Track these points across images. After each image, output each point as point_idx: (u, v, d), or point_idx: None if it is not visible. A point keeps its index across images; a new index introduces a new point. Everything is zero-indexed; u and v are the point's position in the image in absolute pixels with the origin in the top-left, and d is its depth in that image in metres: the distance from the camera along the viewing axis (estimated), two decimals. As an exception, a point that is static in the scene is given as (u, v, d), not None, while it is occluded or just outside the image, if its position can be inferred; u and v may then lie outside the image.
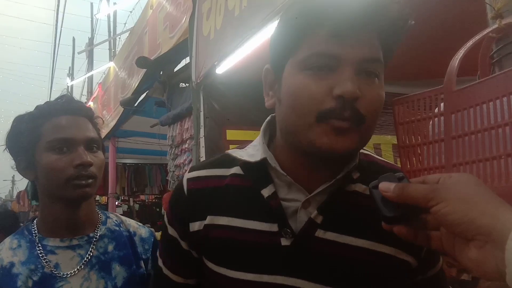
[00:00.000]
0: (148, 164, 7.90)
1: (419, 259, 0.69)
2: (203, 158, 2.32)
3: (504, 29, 0.59)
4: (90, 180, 0.95)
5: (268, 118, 0.76)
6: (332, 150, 0.60)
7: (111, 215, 1.11)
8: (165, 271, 0.81)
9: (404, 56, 1.81)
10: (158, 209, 8.84)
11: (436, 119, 0.59)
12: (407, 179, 0.53)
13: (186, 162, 3.06)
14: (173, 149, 3.33)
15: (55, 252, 0.96)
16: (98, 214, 1.07)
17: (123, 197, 8.73)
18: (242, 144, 0.80)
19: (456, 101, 0.57)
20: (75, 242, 0.98)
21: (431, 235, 0.51)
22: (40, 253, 0.95)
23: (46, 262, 0.94)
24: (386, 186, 0.52)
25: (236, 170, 0.75)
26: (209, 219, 0.72)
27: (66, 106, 0.99)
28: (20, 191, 15.43)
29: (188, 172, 0.79)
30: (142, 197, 9.54)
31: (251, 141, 0.78)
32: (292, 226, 0.67)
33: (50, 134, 0.95)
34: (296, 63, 0.62)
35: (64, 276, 0.94)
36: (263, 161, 0.70)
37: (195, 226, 0.73)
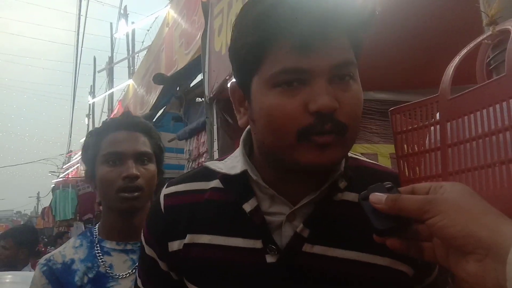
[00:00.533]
0: (168, 179, 7.99)
1: (416, 267, 0.65)
2: (217, 171, 2.34)
3: (498, 36, 0.59)
4: (136, 193, 1.03)
5: (247, 127, 0.71)
6: (319, 165, 0.57)
7: None
8: None
9: (404, 64, 1.81)
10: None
11: (432, 127, 0.59)
12: (396, 189, 0.51)
13: (202, 175, 3.09)
14: (190, 163, 3.37)
15: (111, 254, 1.06)
16: None
17: (144, 211, 8.83)
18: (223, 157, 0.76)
19: (451, 109, 0.57)
20: (129, 247, 1.08)
21: (424, 247, 0.50)
22: (98, 253, 1.06)
23: (102, 262, 1.04)
24: (377, 198, 0.50)
25: (216, 183, 0.70)
26: (189, 238, 0.67)
27: (123, 122, 1.10)
28: (45, 208, 15.83)
29: (165, 187, 0.74)
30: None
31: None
32: (277, 242, 0.63)
33: (105, 148, 1.06)
34: (263, 80, 0.58)
35: (116, 276, 1.03)
36: (244, 174, 0.66)
37: (174, 245, 0.69)
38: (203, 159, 3.04)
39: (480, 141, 0.51)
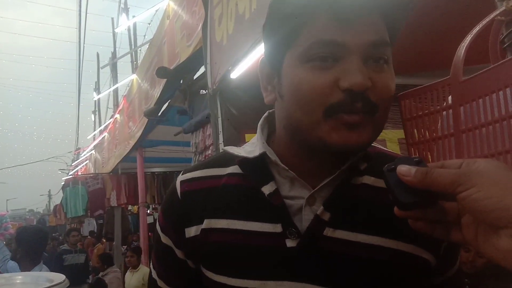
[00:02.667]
0: (176, 172, 8.02)
1: (438, 256, 0.64)
2: (223, 164, 2.33)
3: (512, 12, 0.55)
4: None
5: (265, 114, 0.72)
6: (346, 147, 0.55)
7: None
8: (160, 283, 0.76)
9: (410, 45, 1.75)
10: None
11: (444, 112, 0.56)
12: (425, 163, 0.48)
13: (209, 168, 3.08)
14: (197, 156, 3.36)
15: None
16: None
17: (154, 205, 8.89)
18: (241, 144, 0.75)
19: (464, 92, 0.54)
20: None
21: (450, 226, 0.48)
22: None
23: None
24: (406, 170, 0.47)
25: (233, 169, 0.69)
26: (207, 223, 0.67)
27: None
28: (56, 205, 16.05)
29: (181, 174, 0.74)
30: (172, 204, 9.69)
31: None
32: (298, 226, 0.62)
33: None
34: (296, 55, 0.57)
35: None
36: (262, 156, 0.65)
37: (191, 231, 0.68)
38: (209, 152, 3.03)
39: (497, 125, 0.48)
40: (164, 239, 0.73)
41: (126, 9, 9.48)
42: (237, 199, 0.67)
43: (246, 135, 2.43)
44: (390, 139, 2.66)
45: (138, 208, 6.75)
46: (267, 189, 0.64)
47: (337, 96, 0.54)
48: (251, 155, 0.66)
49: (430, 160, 0.59)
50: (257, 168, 0.66)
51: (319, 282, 0.60)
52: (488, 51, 0.63)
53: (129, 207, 9.53)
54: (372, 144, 0.70)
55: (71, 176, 11.71)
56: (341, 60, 0.55)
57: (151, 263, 0.80)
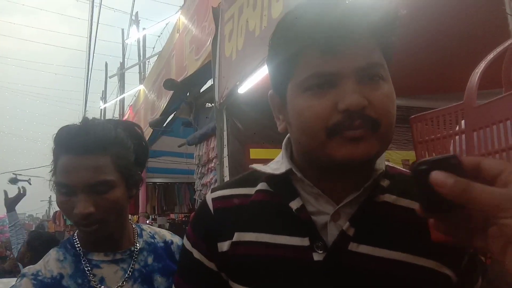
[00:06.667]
0: (177, 183, 8.01)
1: (460, 274, 0.64)
2: (227, 178, 2.33)
3: (527, 40, 0.56)
4: (95, 226, 0.90)
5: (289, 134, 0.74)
6: (352, 158, 0.58)
7: (144, 227, 1.11)
8: None
9: (417, 69, 1.76)
10: (187, 228, 8.90)
11: (457, 137, 0.56)
12: (462, 168, 0.43)
13: (212, 181, 3.08)
14: (200, 168, 3.36)
15: (100, 266, 0.97)
16: (133, 226, 1.07)
17: (154, 216, 8.85)
18: (266, 162, 0.78)
19: (478, 118, 0.54)
20: (118, 256, 0.99)
21: (474, 233, 0.44)
22: (86, 267, 0.96)
23: (91, 276, 0.95)
24: (442, 180, 0.42)
25: (261, 186, 0.73)
26: (236, 236, 0.69)
27: (73, 143, 0.90)
28: (56, 211, 15.99)
29: (211, 192, 0.77)
30: (172, 215, 9.65)
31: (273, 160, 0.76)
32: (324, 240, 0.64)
33: (58, 175, 0.91)
34: (296, 84, 0.62)
35: None
36: (288, 173, 0.68)
37: (224, 246, 0.70)
38: (212, 164, 3.03)
39: (511, 152, 0.48)
40: (197, 254, 0.74)
41: (136, 21, 9.63)
42: (265, 214, 0.70)
43: (251, 150, 2.44)
44: (394, 160, 2.66)
45: (138, 218, 6.72)
46: (294, 204, 0.66)
47: (336, 117, 0.57)
48: (277, 172, 0.69)
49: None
50: (283, 184, 0.69)
51: None
52: (495, 75, 0.63)
53: (129, 217, 9.48)
54: (392, 166, 0.72)
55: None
56: (337, 85, 0.58)
57: (173, 282, 0.80)
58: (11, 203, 3.43)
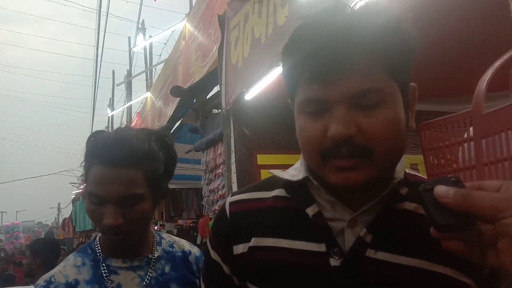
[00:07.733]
0: (185, 189, 8.03)
1: (480, 283, 0.63)
2: (234, 184, 2.33)
3: (535, 47, 0.56)
4: (121, 236, 0.93)
5: None
6: (344, 185, 0.60)
7: (164, 235, 1.13)
8: None
9: (432, 72, 1.75)
10: (195, 233, 8.90)
11: (466, 144, 0.56)
12: (462, 184, 0.47)
13: (220, 187, 3.09)
14: (207, 174, 3.37)
15: (118, 273, 0.98)
16: (153, 234, 1.08)
17: (162, 222, 8.88)
18: (272, 168, 0.80)
19: (486, 125, 0.54)
20: (136, 263, 1.00)
21: (487, 250, 0.46)
22: (104, 273, 0.97)
23: (109, 282, 0.96)
24: (444, 191, 0.46)
25: (278, 192, 0.74)
26: (254, 241, 0.70)
27: (107, 155, 0.91)
28: (65, 218, 16.11)
29: (230, 196, 0.80)
30: (180, 221, 9.66)
31: (284, 165, 0.79)
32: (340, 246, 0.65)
33: (90, 183, 0.94)
34: (297, 104, 0.64)
35: None
36: (305, 180, 0.69)
37: (239, 248, 0.72)
38: (220, 170, 3.04)
39: (521, 159, 0.48)
40: (214, 255, 0.78)
41: (143, 29, 9.72)
42: (283, 219, 0.71)
43: (258, 156, 2.44)
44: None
45: (146, 224, 6.74)
46: (311, 211, 0.68)
47: (326, 143, 0.59)
48: (294, 179, 0.70)
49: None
50: (301, 191, 0.71)
51: None
52: (502, 78, 0.63)
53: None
54: (413, 173, 0.73)
55: (81, 190, 11.78)
56: (330, 110, 0.59)
57: (201, 277, 0.85)
58: None
